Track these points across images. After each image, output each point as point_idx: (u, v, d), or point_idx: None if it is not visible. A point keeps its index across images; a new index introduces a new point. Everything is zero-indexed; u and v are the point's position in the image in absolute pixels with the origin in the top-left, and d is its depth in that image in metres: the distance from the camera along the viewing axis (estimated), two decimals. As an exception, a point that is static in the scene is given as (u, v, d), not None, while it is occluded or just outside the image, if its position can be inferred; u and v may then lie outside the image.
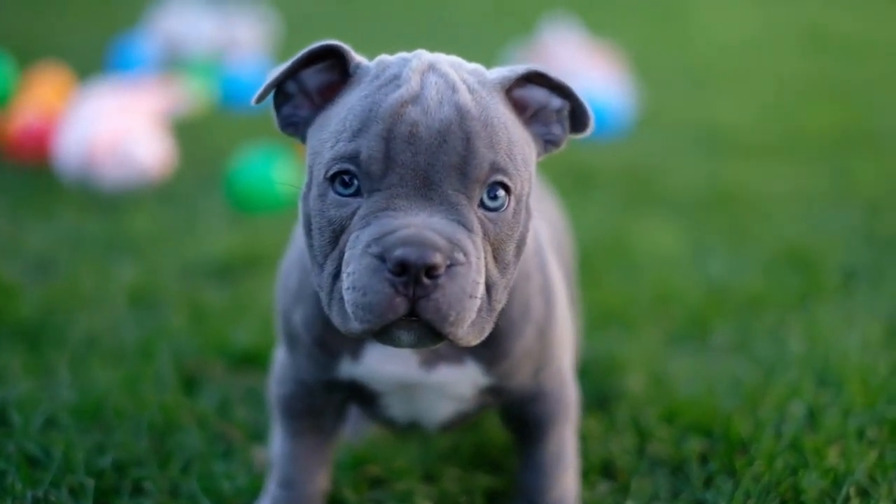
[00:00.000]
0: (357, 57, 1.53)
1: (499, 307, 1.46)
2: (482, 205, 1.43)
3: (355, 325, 1.38)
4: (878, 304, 2.88)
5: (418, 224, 1.37)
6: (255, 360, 2.43)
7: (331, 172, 1.42)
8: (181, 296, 2.79)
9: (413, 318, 1.37)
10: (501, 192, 1.43)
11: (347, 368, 1.68)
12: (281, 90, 1.57)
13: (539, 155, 1.57)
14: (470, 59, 1.58)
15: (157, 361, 2.37)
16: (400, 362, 1.66)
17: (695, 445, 2.10)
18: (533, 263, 1.68)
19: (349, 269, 1.38)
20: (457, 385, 1.70)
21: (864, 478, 1.98)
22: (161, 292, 2.81)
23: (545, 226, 1.87)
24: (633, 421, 2.21)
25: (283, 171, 3.60)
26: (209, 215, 3.49)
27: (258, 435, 2.12)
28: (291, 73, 1.54)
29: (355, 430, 2.15)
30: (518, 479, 1.89)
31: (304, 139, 1.55)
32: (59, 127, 3.92)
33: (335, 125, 1.44)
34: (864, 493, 1.95)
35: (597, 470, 2.04)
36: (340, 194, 1.42)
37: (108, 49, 5.86)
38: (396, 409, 1.77)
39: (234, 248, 3.13)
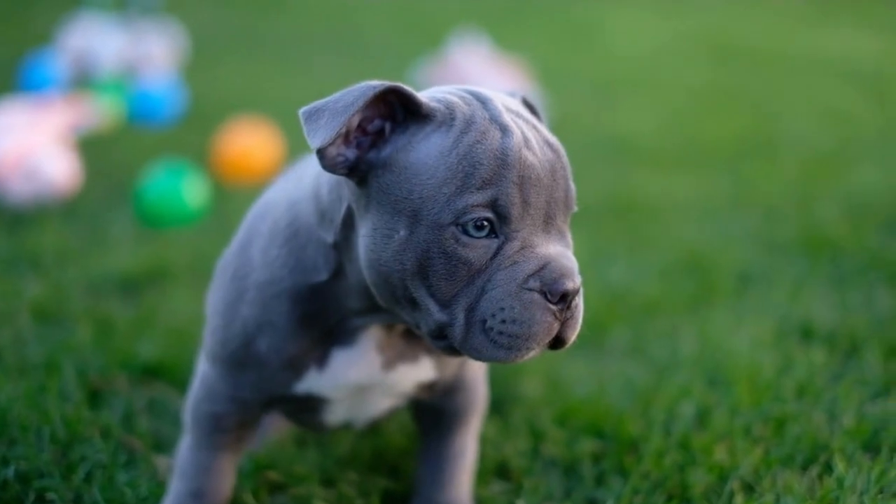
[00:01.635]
0: (423, 98, 1.58)
1: None
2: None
3: (504, 354, 1.49)
4: (769, 306, 2.97)
5: (558, 255, 1.51)
6: (158, 373, 2.46)
7: (467, 219, 1.48)
8: (86, 311, 2.80)
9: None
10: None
11: (311, 381, 1.74)
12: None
13: None
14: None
15: (61, 375, 2.39)
16: (365, 366, 1.73)
17: (587, 446, 2.17)
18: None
19: (503, 305, 1.48)
20: (407, 382, 1.78)
21: (749, 473, 2.06)
22: (66, 307, 2.82)
23: None
24: (528, 423, 2.27)
25: (191, 187, 3.63)
26: (116, 230, 3.51)
27: (161, 444, 2.15)
28: (356, 112, 1.54)
29: (259, 435, 2.19)
30: (418, 475, 1.95)
31: (359, 179, 1.57)
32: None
33: (445, 172, 1.50)
34: (748, 487, 2.03)
35: (491, 471, 2.10)
36: (476, 237, 1.49)
37: (17, 68, 5.83)
38: (338, 413, 1.83)
39: (140, 262, 3.15)
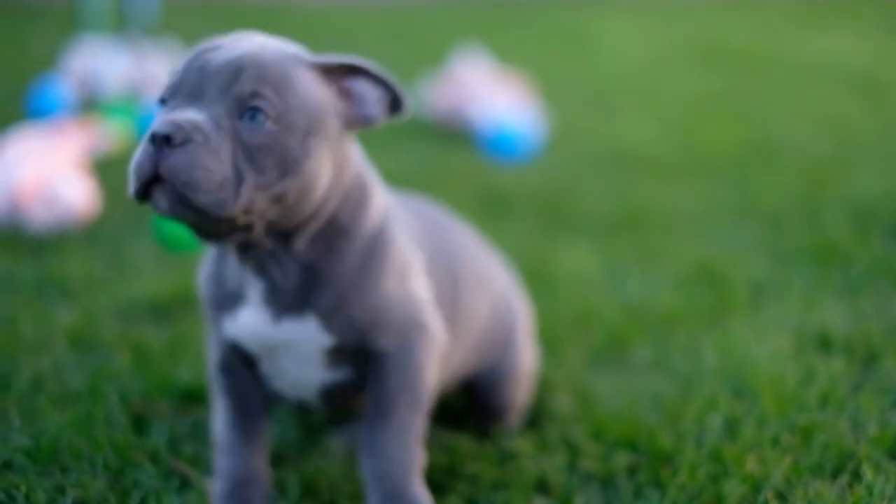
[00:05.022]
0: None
1: (245, 200, 1.75)
2: (242, 118, 1.76)
3: (129, 189, 1.77)
4: (785, 316, 3.04)
5: (175, 114, 1.74)
6: (197, 397, 2.53)
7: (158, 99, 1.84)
8: (120, 337, 2.86)
9: (164, 182, 1.72)
10: (261, 116, 1.76)
11: (228, 326, 1.99)
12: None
13: (351, 124, 1.90)
14: None
15: (105, 402, 2.45)
16: (256, 316, 1.94)
17: (622, 460, 2.24)
18: (369, 233, 1.97)
19: None
20: (303, 344, 1.95)
21: (780, 483, 2.13)
22: (100, 334, 2.88)
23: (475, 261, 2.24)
24: (563, 438, 2.34)
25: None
26: (139, 254, 3.56)
27: (208, 468, 2.21)
28: None
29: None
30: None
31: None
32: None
33: None
34: (781, 496, 2.09)
35: (531, 487, 2.16)
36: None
37: (22, 94, 5.87)
38: (275, 379, 2.03)
39: (168, 286, 3.20)
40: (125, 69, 6.09)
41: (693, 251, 3.68)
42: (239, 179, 1.74)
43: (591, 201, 4.38)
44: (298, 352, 1.96)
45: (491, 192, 4.51)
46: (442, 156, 5.22)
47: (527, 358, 2.39)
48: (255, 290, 1.93)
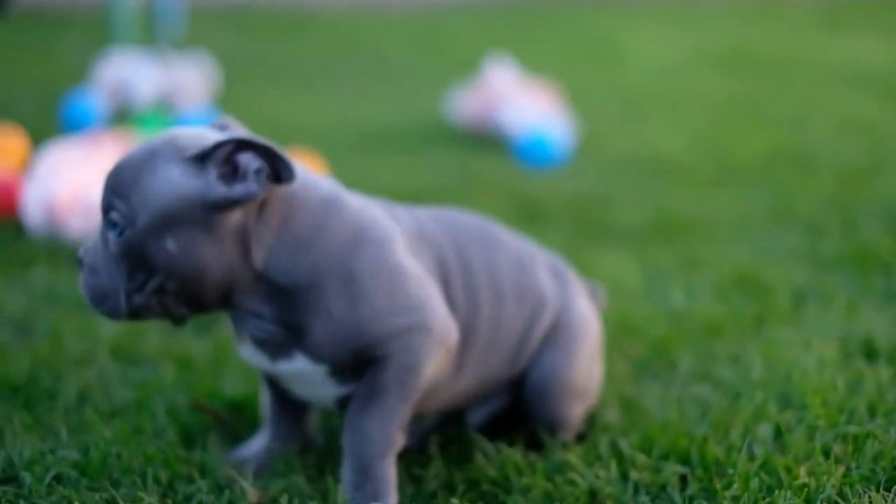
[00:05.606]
0: None
1: (127, 304, 1.93)
2: (109, 230, 1.90)
3: None
4: (829, 324, 3.03)
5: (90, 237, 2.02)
6: (243, 408, 2.53)
7: None
8: (162, 349, 2.86)
9: None
10: (117, 226, 1.88)
11: (241, 352, 2.12)
12: None
13: (230, 202, 1.89)
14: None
15: (154, 415, 2.45)
16: (255, 354, 2.08)
17: (673, 470, 2.22)
18: (333, 276, 1.99)
19: None
20: (305, 373, 2.05)
21: (833, 493, 2.11)
22: (142, 346, 2.88)
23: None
24: (612, 449, 2.33)
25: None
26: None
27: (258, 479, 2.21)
28: None
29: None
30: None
31: None
32: (20, 184, 3.98)
33: None
34: (835, 507, 2.09)
35: (583, 499, 2.15)
36: None
37: (58, 107, 5.90)
38: (295, 391, 2.16)
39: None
40: (155, 80, 6.12)
41: (731, 258, 3.67)
42: (115, 288, 1.90)
43: (625, 209, 4.37)
44: (304, 378, 2.07)
45: (524, 198, 4.50)
46: (474, 163, 5.22)
47: (583, 373, 2.37)
48: (245, 337, 2.06)
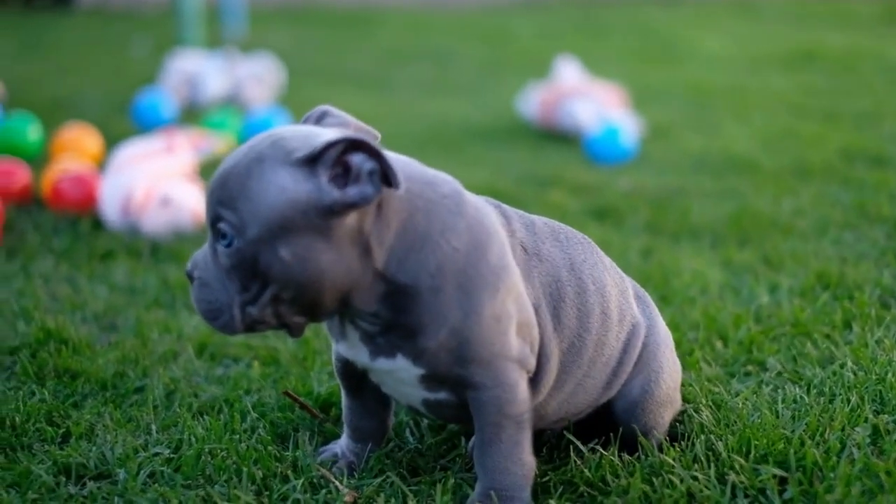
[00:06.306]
0: None
1: (243, 317, 1.88)
2: (219, 242, 1.84)
3: None
4: (920, 326, 2.98)
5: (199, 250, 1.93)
6: (331, 406, 2.52)
7: None
8: (246, 346, 2.86)
9: None
10: (227, 238, 1.82)
11: (338, 348, 2.10)
12: None
13: (335, 210, 1.82)
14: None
15: (243, 412, 2.45)
16: (356, 350, 2.03)
17: (772, 473, 2.18)
18: (453, 279, 1.94)
19: None
20: (399, 372, 2.00)
21: (937, 498, 2.07)
22: (226, 343, 2.88)
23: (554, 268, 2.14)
24: (708, 451, 2.29)
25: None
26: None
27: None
28: None
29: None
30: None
31: None
32: (97, 179, 4.02)
33: None
34: (938, 512, 2.04)
35: (681, 502, 2.12)
36: None
37: (128, 107, 5.95)
38: (383, 387, 2.14)
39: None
40: (224, 80, 6.16)
41: (814, 258, 3.61)
42: (229, 302, 1.85)
43: (701, 207, 4.33)
44: (397, 377, 2.03)
45: (597, 195, 4.48)
46: (546, 160, 5.20)
47: (669, 383, 2.34)
48: (352, 333, 2.00)
